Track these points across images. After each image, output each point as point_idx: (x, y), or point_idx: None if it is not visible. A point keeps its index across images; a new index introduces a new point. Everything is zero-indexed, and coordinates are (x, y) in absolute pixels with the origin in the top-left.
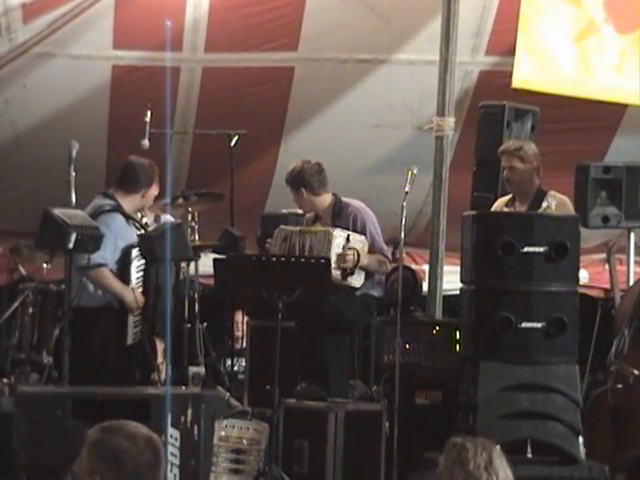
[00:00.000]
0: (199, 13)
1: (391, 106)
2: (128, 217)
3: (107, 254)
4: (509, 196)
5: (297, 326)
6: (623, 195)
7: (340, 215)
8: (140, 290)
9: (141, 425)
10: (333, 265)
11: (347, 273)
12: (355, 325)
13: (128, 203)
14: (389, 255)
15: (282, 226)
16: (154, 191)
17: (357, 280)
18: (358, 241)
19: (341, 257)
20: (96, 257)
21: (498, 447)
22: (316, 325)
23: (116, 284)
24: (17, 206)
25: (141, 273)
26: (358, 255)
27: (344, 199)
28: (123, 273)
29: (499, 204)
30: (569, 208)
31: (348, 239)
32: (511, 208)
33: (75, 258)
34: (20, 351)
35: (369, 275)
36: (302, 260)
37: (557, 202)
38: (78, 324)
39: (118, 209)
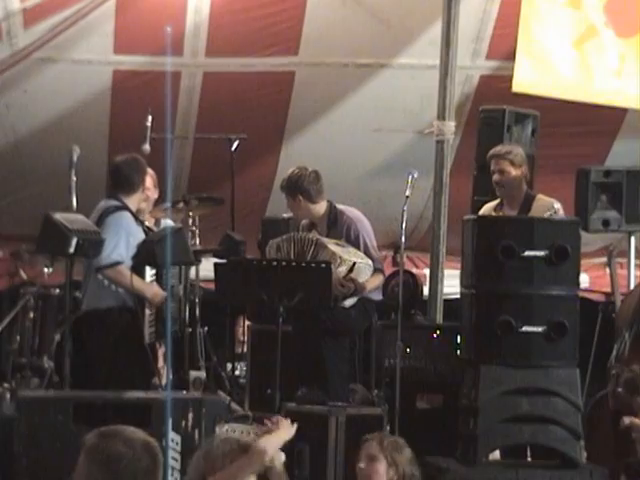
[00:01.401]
0: (200, 18)
1: (392, 110)
2: (135, 217)
3: (122, 252)
4: (496, 201)
5: (295, 330)
6: (624, 199)
7: (335, 223)
8: None
9: (139, 430)
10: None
11: (340, 297)
12: (354, 329)
13: (132, 202)
14: (382, 265)
15: (271, 241)
16: (149, 183)
17: (348, 302)
18: (363, 269)
19: (339, 287)
20: (113, 255)
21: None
22: (315, 329)
23: (136, 280)
24: (18, 210)
25: (154, 270)
26: (355, 287)
27: (339, 206)
28: (138, 271)
29: (487, 209)
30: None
31: (352, 268)
32: (500, 213)
33: (91, 260)
34: (21, 355)
35: None
36: (303, 264)
37: (558, 206)
38: (90, 327)
39: (125, 208)
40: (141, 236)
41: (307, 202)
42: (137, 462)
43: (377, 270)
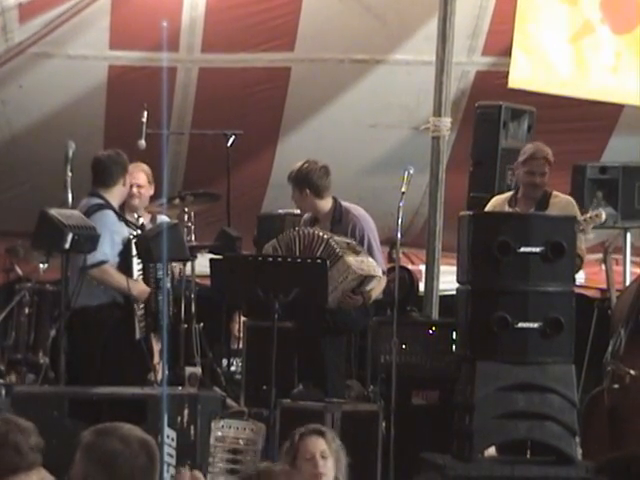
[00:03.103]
0: (196, 13)
1: (388, 106)
2: (118, 214)
3: (107, 250)
4: (508, 194)
5: (295, 327)
6: (619, 195)
7: (340, 221)
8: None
9: (136, 427)
10: (338, 295)
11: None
12: (354, 327)
13: (114, 197)
14: (384, 267)
15: (265, 245)
16: (144, 179)
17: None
18: (373, 282)
19: (347, 298)
20: (97, 255)
21: None
22: (315, 326)
23: (121, 279)
24: (13, 206)
25: (141, 266)
26: (364, 300)
27: (344, 204)
28: (125, 267)
29: (499, 203)
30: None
31: (363, 281)
32: (515, 208)
33: (76, 259)
34: (16, 351)
35: None
36: (299, 260)
37: (602, 209)
38: (79, 324)
39: (107, 205)
40: (124, 232)
41: (313, 196)
42: (134, 460)
43: (382, 272)
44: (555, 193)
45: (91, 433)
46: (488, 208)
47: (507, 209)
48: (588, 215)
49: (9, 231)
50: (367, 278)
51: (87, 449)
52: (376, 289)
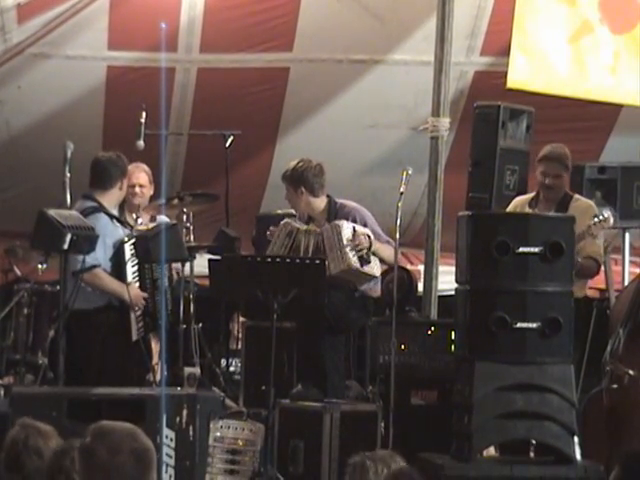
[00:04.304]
0: (194, 13)
1: (386, 106)
2: (111, 216)
3: (98, 254)
4: (530, 195)
5: (294, 327)
6: (618, 195)
7: (336, 218)
8: (137, 285)
9: (132, 432)
10: (349, 253)
11: (364, 259)
12: (354, 326)
13: (109, 199)
14: (392, 243)
15: (288, 219)
16: (145, 179)
17: (376, 268)
18: (364, 231)
19: (354, 241)
20: (89, 259)
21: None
22: (314, 326)
23: (113, 283)
24: (12, 207)
25: (137, 267)
26: (369, 238)
27: (338, 200)
28: (119, 270)
29: (520, 203)
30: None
31: (355, 229)
32: (535, 209)
33: (70, 262)
34: (15, 352)
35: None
36: (297, 261)
37: (608, 215)
38: (77, 327)
39: (100, 209)
40: (119, 234)
41: (309, 195)
42: (122, 469)
43: (387, 242)
44: (576, 197)
45: (90, 433)
46: (510, 208)
47: (527, 210)
48: (597, 220)
49: (8, 231)
50: (356, 227)
51: (82, 452)
52: (381, 248)
